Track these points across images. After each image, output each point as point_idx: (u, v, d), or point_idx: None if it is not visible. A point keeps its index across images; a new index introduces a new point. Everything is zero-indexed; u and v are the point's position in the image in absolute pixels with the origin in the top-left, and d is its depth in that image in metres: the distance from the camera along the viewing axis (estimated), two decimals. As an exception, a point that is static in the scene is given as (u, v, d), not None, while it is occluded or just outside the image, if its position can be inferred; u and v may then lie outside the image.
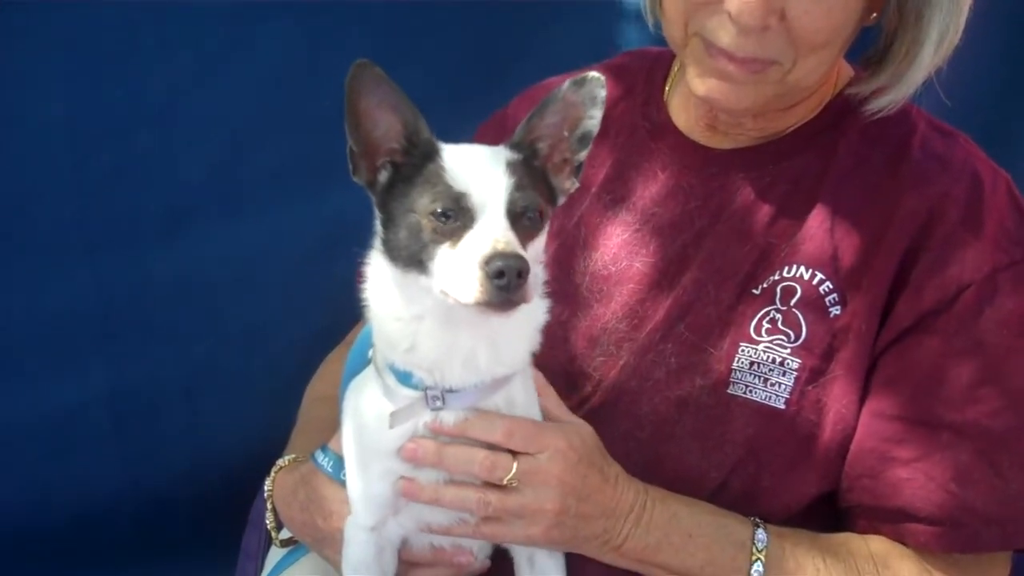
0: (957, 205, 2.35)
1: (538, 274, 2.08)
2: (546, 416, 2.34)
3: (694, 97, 2.48)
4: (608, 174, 2.68)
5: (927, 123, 2.50)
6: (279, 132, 3.51)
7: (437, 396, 2.18)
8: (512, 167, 2.08)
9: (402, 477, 2.25)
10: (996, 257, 2.32)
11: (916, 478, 2.29)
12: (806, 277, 2.39)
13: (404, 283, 2.13)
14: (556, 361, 2.47)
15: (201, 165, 3.47)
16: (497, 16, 3.61)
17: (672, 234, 2.55)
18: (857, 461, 2.35)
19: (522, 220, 2.04)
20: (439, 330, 2.14)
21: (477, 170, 2.07)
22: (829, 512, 2.45)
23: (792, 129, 2.52)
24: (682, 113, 2.65)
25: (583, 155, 2.21)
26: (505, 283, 1.93)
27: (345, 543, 2.35)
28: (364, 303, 2.26)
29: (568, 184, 2.23)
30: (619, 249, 2.59)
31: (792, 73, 2.35)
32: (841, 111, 2.50)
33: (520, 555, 2.42)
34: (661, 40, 2.58)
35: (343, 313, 3.14)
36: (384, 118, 2.11)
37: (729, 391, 2.39)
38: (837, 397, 2.35)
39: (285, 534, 2.67)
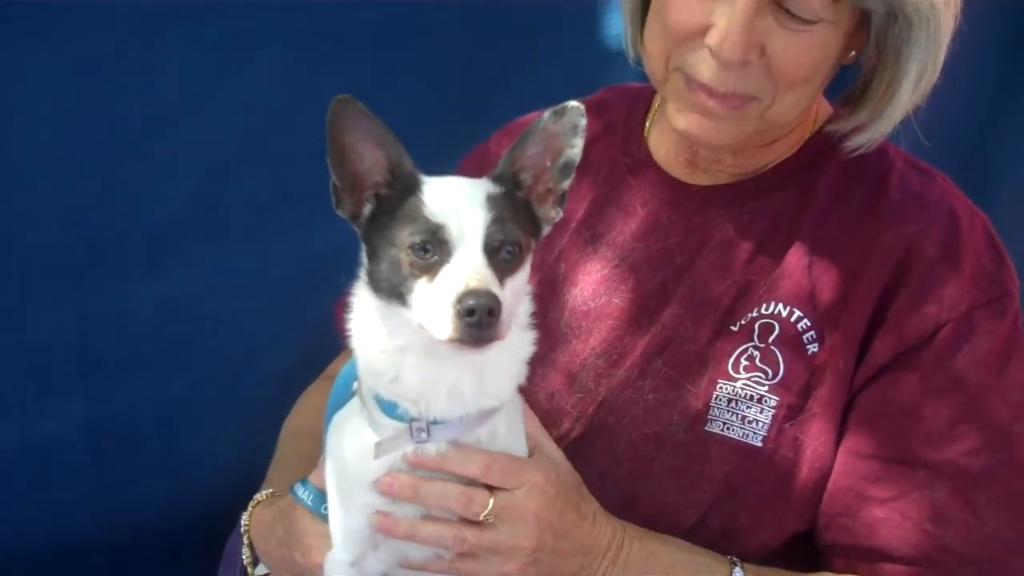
0: (934, 243, 2.36)
1: (515, 311, 2.08)
2: (530, 444, 2.33)
3: (674, 133, 2.49)
4: (588, 210, 2.68)
5: (905, 161, 2.51)
6: (260, 164, 3.49)
7: (422, 428, 2.17)
8: (492, 200, 2.09)
9: (378, 511, 2.24)
10: (973, 295, 2.32)
11: (892, 517, 2.29)
12: (784, 314, 2.39)
13: (387, 315, 2.13)
14: (534, 397, 2.47)
15: (182, 196, 3.46)
16: (480, 51, 3.62)
17: (651, 270, 2.55)
18: (834, 499, 2.35)
19: (499, 254, 2.04)
20: (423, 362, 2.14)
21: (455, 204, 2.07)
22: (806, 550, 2.44)
23: (771, 166, 2.53)
24: (662, 149, 2.65)
25: (566, 184, 2.21)
26: (476, 321, 1.93)
27: None
28: (349, 333, 2.26)
29: (553, 214, 2.23)
30: (598, 285, 2.60)
31: (771, 109, 2.36)
32: (820, 148, 2.51)
33: None
34: (642, 76, 2.59)
35: (322, 347, 3.15)
36: (368, 152, 2.12)
37: (706, 428, 2.38)
38: (814, 435, 2.35)
39: (261, 569, 2.64)
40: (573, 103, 2.15)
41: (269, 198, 3.53)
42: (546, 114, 2.16)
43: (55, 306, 3.42)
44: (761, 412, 2.36)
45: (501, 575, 2.27)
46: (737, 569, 2.34)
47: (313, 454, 2.60)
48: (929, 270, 2.34)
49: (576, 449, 2.41)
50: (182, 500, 3.69)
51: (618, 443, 2.44)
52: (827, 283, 2.39)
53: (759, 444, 2.36)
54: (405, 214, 2.08)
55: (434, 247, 2.02)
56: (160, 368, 3.58)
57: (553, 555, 2.25)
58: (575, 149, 2.17)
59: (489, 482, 2.22)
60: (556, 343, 2.57)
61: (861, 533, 2.31)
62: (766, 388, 2.37)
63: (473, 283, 1.96)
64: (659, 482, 2.40)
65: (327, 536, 2.35)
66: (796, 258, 2.42)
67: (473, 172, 2.30)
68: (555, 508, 2.24)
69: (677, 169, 2.62)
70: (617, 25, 3.46)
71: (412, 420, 2.18)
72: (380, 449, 2.19)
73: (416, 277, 2.03)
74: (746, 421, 2.36)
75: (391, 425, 2.20)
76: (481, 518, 2.21)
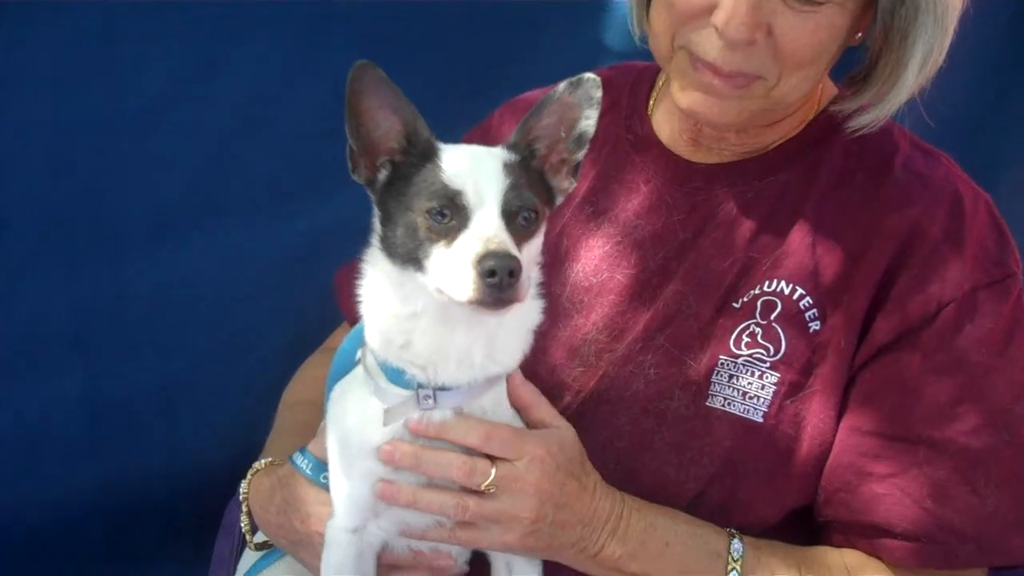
0: (938, 224, 2.37)
1: (532, 275, 2.10)
2: (537, 422, 2.34)
3: (678, 111, 2.50)
4: (591, 186, 2.68)
5: (909, 142, 2.52)
6: (260, 143, 3.51)
7: (429, 395, 2.19)
8: (509, 168, 2.11)
9: (382, 479, 2.24)
10: (976, 275, 2.33)
11: (892, 494, 2.30)
12: (787, 292, 2.40)
13: (401, 280, 2.15)
14: (535, 371, 2.46)
15: (181, 175, 3.47)
16: (483, 28, 3.62)
17: (654, 247, 2.55)
18: (834, 475, 2.36)
19: (517, 220, 2.07)
20: (435, 327, 2.16)
21: (473, 170, 2.09)
22: (805, 526, 2.46)
23: (775, 145, 2.53)
24: (665, 127, 2.66)
25: (580, 155, 2.24)
26: (497, 282, 1.95)
27: (326, 545, 2.34)
28: (358, 300, 2.27)
29: (566, 184, 2.26)
30: (600, 261, 2.60)
31: (776, 89, 2.36)
32: (824, 128, 2.51)
33: (498, 560, 2.42)
34: (647, 54, 2.59)
35: (319, 321, 3.16)
36: (384, 118, 2.13)
37: (708, 403, 2.39)
38: (815, 412, 2.36)
39: (259, 537, 2.66)
40: (589, 75, 2.18)
41: (268, 178, 3.54)
42: (562, 85, 2.18)
43: (53, 284, 3.44)
44: (762, 388, 2.37)
45: (501, 544, 2.30)
46: (736, 541, 2.35)
47: (312, 424, 2.62)
48: (932, 251, 2.34)
49: (576, 422, 2.40)
50: (180, 474, 3.69)
51: (619, 417, 2.45)
52: (830, 262, 2.39)
53: (760, 420, 2.36)
54: (422, 180, 2.10)
55: (452, 212, 2.04)
56: (158, 346, 3.60)
57: (553, 526, 2.27)
58: (590, 121, 2.20)
59: (490, 452, 2.23)
60: (558, 317, 2.57)
61: (861, 509, 2.32)
62: (767, 365, 2.38)
63: (493, 245, 1.98)
64: (659, 456, 2.40)
65: (326, 504, 2.36)
66: (799, 236, 2.43)
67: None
68: (556, 480, 2.25)
69: (681, 147, 2.62)
70: (618, 13, 3.49)
71: (419, 387, 2.19)
72: (389, 416, 2.21)
73: (433, 242, 2.05)
74: (747, 397, 2.37)
75: (397, 393, 2.21)
76: (482, 488, 2.22)
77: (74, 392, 3.54)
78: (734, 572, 2.32)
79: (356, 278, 2.29)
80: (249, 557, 2.72)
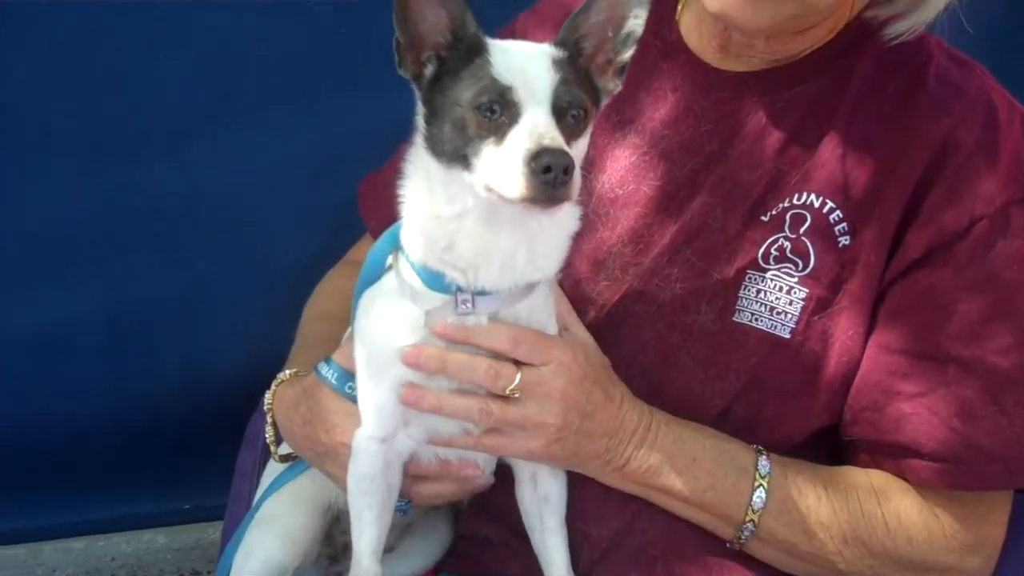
0: (971, 136, 2.31)
1: (579, 175, 2.06)
2: (561, 324, 2.33)
3: (707, 16, 2.43)
4: (617, 94, 2.63)
5: (944, 52, 2.45)
6: (284, 51, 3.48)
7: (467, 299, 2.17)
8: (558, 64, 2.07)
9: (407, 383, 2.24)
10: (1010, 190, 2.28)
11: (920, 413, 2.27)
12: (816, 205, 2.36)
13: (447, 180, 2.12)
14: (559, 284, 2.45)
15: (205, 82, 3.45)
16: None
17: (681, 158, 2.50)
18: (861, 394, 2.33)
19: (567, 117, 2.04)
20: (480, 229, 2.14)
21: (523, 65, 2.05)
22: (830, 446, 2.44)
23: (805, 53, 2.47)
24: (693, 33, 2.59)
25: (627, 56, 2.20)
26: (551, 179, 1.92)
27: (353, 455, 2.34)
28: (400, 200, 2.25)
29: (612, 85, 2.22)
30: (626, 172, 2.56)
31: None
32: (857, 36, 2.44)
33: (523, 473, 2.42)
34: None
35: (342, 233, 3.15)
36: (431, 11, 2.09)
37: (734, 319, 2.36)
38: (843, 328, 2.33)
39: (284, 449, 2.66)
40: None
41: (294, 84, 3.51)
42: None
43: (76, 190, 3.44)
44: (790, 304, 2.34)
45: (526, 451, 2.29)
46: (763, 458, 2.34)
47: (335, 336, 2.60)
48: (965, 164, 2.29)
49: (601, 337, 2.40)
50: (201, 384, 3.73)
51: (644, 332, 2.42)
52: (861, 175, 2.35)
53: (787, 336, 2.34)
54: (470, 75, 2.06)
55: (501, 108, 2.00)
56: (181, 253, 3.61)
57: (579, 435, 2.26)
58: (639, 20, 2.16)
59: (517, 357, 2.23)
60: (582, 230, 2.52)
61: (887, 428, 2.30)
62: (796, 279, 2.34)
63: (547, 141, 1.94)
64: (685, 371, 2.39)
65: (352, 415, 2.35)
66: (830, 148, 2.38)
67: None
68: (582, 388, 2.25)
69: (709, 54, 2.55)
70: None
71: (458, 290, 2.17)
72: (430, 319, 2.20)
73: (482, 138, 2.02)
74: (775, 312, 2.34)
75: (434, 297, 2.20)
76: (507, 392, 2.21)
77: (94, 301, 3.56)
78: (760, 489, 2.31)
79: (380, 189, 2.26)
80: (272, 469, 2.71)
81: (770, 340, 2.34)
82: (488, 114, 2.01)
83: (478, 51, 2.09)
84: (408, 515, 2.54)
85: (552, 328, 2.31)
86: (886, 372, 2.30)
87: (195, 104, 3.46)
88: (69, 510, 3.94)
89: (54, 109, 3.33)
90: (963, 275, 2.27)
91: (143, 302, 3.60)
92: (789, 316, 2.34)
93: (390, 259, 2.31)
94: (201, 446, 3.58)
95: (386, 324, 2.26)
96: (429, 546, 2.73)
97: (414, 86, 2.17)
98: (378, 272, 2.34)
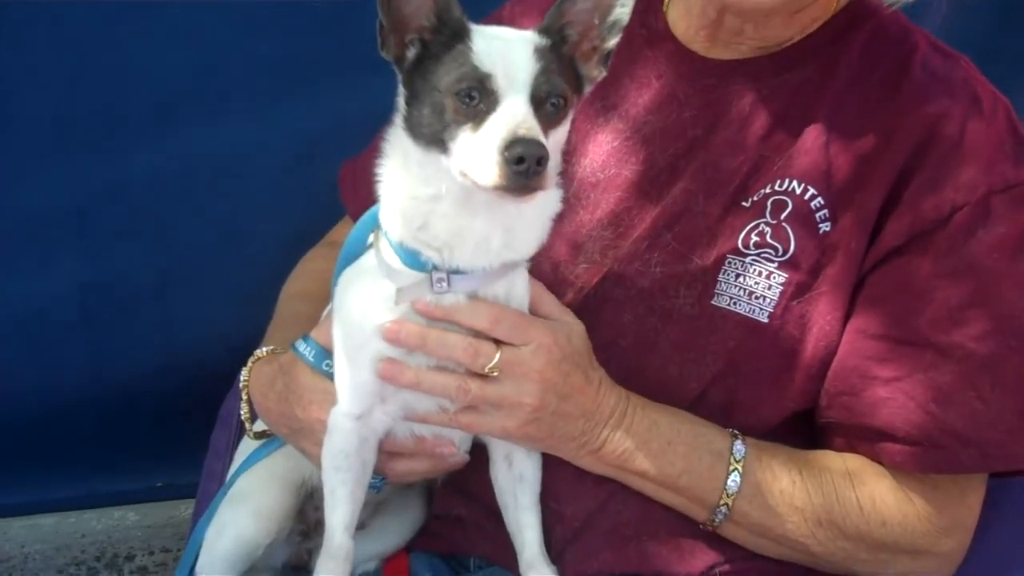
0: (954, 126, 2.32)
1: (556, 162, 2.07)
2: (543, 316, 2.34)
3: (698, 2, 2.44)
4: (601, 81, 2.63)
5: (929, 44, 2.47)
6: (264, 33, 3.47)
7: (443, 278, 2.18)
8: (540, 52, 2.08)
9: (385, 358, 2.24)
10: (991, 180, 2.29)
11: (896, 398, 2.28)
12: (798, 191, 2.36)
13: (424, 162, 2.13)
14: (538, 267, 2.44)
15: (185, 64, 3.44)
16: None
17: (663, 143, 2.51)
18: (838, 378, 2.35)
19: (545, 106, 2.05)
20: (455, 211, 2.15)
21: (504, 53, 2.06)
22: (807, 430, 2.45)
23: (793, 41, 2.48)
24: (681, 22, 2.60)
25: (613, 43, 2.20)
26: (524, 169, 1.93)
27: (328, 432, 2.34)
28: (378, 179, 2.26)
29: (596, 72, 2.23)
30: (608, 157, 2.56)
31: None
32: (844, 24, 2.46)
33: (498, 451, 2.43)
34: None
35: (321, 215, 3.14)
36: None
37: (713, 302, 2.37)
38: (822, 313, 2.34)
39: (259, 427, 2.65)
40: None
41: (272, 68, 3.51)
42: None
43: (53, 170, 3.43)
44: (769, 288, 2.35)
45: (501, 430, 2.30)
46: (738, 442, 2.35)
47: (313, 316, 2.61)
48: (948, 153, 2.31)
49: (579, 319, 2.39)
50: (177, 364, 3.72)
51: (623, 315, 2.43)
52: (843, 162, 2.36)
53: (765, 320, 2.34)
54: (452, 60, 2.07)
55: (480, 95, 2.01)
56: (157, 233, 3.61)
57: (555, 416, 2.27)
58: (625, 8, 2.17)
59: (497, 336, 2.23)
60: (562, 213, 2.52)
61: (863, 412, 2.31)
62: (775, 264, 2.35)
63: (522, 131, 1.96)
64: (663, 355, 2.39)
65: (328, 392, 2.36)
66: (813, 136, 2.39)
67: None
68: (561, 370, 2.25)
69: (696, 43, 2.56)
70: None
71: (433, 269, 2.17)
72: (401, 295, 2.20)
73: (460, 124, 2.03)
74: (753, 297, 2.35)
75: (410, 275, 2.20)
76: (486, 371, 2.22)
77: (72, 279, 3.55)
78: (735, 472, 2.32)
79: (361, 173, 2.26)
80: (245, 447, 2.71)
81: (748, 324, 2.35)
82: (467, 100, 2.02)
83: (461, 36, 2.09)
84: (381, 493, 2.53)
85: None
86: (863, 357, 2.31)
87: (175, 87, 3.45)
88: (39, 487, 3.94)
89: (30, 92, 3.32)
90: (942, 263, 2.28)
91: (120, 281, 3.60)
92: (768, 301, 2.35)
93: (371, 238, 2.31)
94: (175, 424, 3.57)
95: (365, 301, 2.26)
96: (401, 525, 2.73)
97: (396, 68, 2.18)
98: (359, 250, 2.35)
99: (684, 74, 2.55)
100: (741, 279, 2.36)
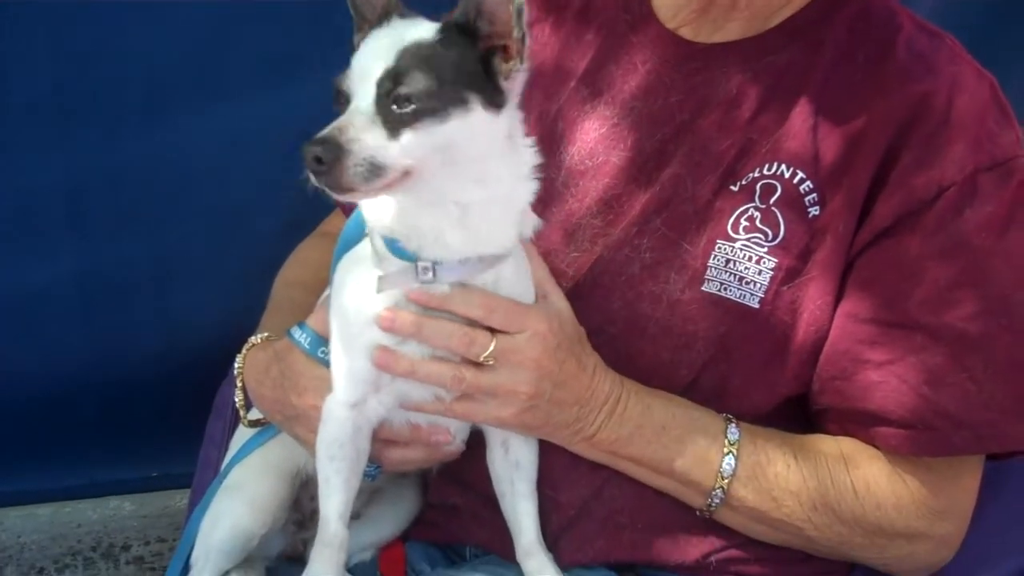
0: (939, 105, 2.32)
1: (429, 164, 2.05)
2: (538, 292, 2.34)
3: None
4: (587, 67, 2.63)
5: (914, 23, 2.46)
6: (262, 21, 3.46)
7: (427, 267, 2.17)
8: (410, 49, 2.05)
9: (380, 347, 2.24)
10: (978, 158, 2.29)
11: (888, 381, 2.28)
12: (787, 175, 2.36)
13: None
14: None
15: (182, 51, 3.43)
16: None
17: (651, 129, 2.51)
18: (829, 363, 2.34)
19: (391, 106, 2.01)
20: (405, 206, 2.16)
21: (366, 52, 2.07)
22: (799, 415, 2.45)
23: (777, 23, 2.47)
24: (665, 6, 2.58)
25: (520, 34, 2.08)
26: (316, 168, 1.95)
27: (323, 420, 2.34)
28: None
29: (508, 66, 2.11)
30: (596, 144, 2.56)
31: None
32: (828, 6, 2.46)
33: (494, 439, 2.43)
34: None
35: (316, 204, 3.11)
36: None
37: (703, 288, 2.37)
38: (812, 298, 2.34)
39: (254, 414, 2.65)
40: None
41: (270, 56, 3.50)
42: None
43: (49, 155, 3.43)
44: (759, 274, 2.34)
45: (497, 419, 2.30)
46: (732, 426, 2.35)
47: (308, 304, 2.60)
48: (933, 132, 2.30)
49: (570, 307, 2.39)
50: (173, 352, 3.72)
51: (613, 301, 2.43)
52: (831, 145, 2.36)
53: (756, 306, 2.34)
54: None
55: (345, 98, 2.04)
56: (153, 220, 3.60)
57: (550, 404, 2.27)
58: None
59: (491, 325, 2.22)
60: (552, 202, 2.54)
61: (856, 396, 2.31)
62: (765, 250, 2.35)
63: (324, 131, 1.97)
64: (653, 341, 2.39)
65: (323, 379, 2.35)
66: (801, 118, 2.38)
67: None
68: (556, 357, 2.25)
69: (682, 26, 2.55)
70: None
71: (418, 259, 2.17)
72: (382, 283, 2.20)
73: None
74: (744, 282, 2.35)
75: (397, 263, 2.20)
76: (481, 360, 2.22)
77: (68, 267, 3.55)
78: (730, 456, 2.32)
79: None
80: (241, 435, 2.71)
81: (739, 310, 2.35)
82: (342, 103, 2.04)
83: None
84: (377, 481, 2.54)
85: (528, 297, 2.31)
86: (854, 341, 2.31)
87: (172, 74, 3.44)
88: (35, 476, 3.93)
89: (26, 79, 3.31)
90: (931, 243, 2.28)
91: (115, 270, 3.59)
92: (758, 286, 2.35)
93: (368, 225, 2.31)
94: (170, 414, 3.58)
95: (361, 289, 2.25)
96: (397, 514, 2.74)
97: None
98: (357, 237, 2.34)
99: (669, 58, 2.54)
100: (731, 264, 2.36)
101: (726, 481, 2.33)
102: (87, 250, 3.55)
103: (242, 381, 2.61)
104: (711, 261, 2.37)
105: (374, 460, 2.43)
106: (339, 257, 2.38)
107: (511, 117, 2.16)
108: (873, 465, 2.33)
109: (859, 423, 2.35)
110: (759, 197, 2.37)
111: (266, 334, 2.66)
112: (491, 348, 2.21)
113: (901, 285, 2.29)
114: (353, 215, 2.39)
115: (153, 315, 3.70)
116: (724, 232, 2.38)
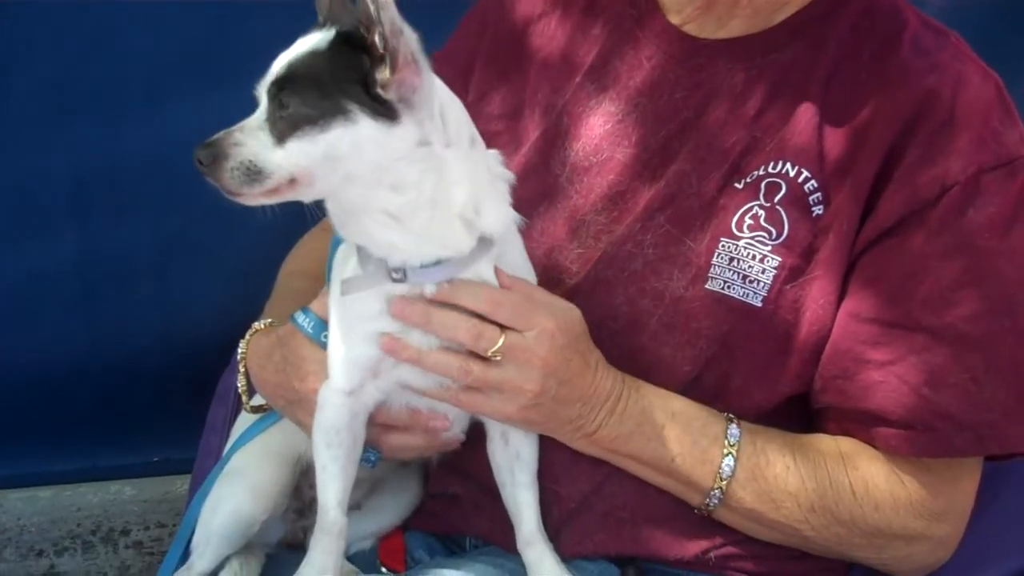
0: (944, 103, 2.31)
1: (318, 170, 2.08)
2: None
3: None
4: (592, 63, 2.63)
5: (919, 20, 2.46)
6: (264, 8, 3.46)
7: (399, 271, 2.19)
8: (301, 58, 2.11)
9: (388, 334, 2.25)
10: (982, 157, 2.28)
11: (889, 381, 2.28)
12: (791, 174, 2.36)
13: None
14: (534, 254, 2.46)
15: (184, 38, 3.44)
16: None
17: (656, 125, 2.50)
18: (831, 362, 2.34)
19: (278, 114, 2.07)
20: (337, 211, 2.22)
21: (278, 58, 2.13)
22: (802, 415, 2.45)
23: (782, 20, 2.47)
24: (670, 1, 2.58)
25: (396, 43, 2.04)
26: (199, 169, 2.04)
27: (318, 407, 2.34)
28: None
29: (380, 75, 2.06)
30: (601, 140, 2.55)
31: None
32: (834, 2, 2.45)
33: (494, 430, 2.43)
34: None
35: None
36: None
37: (706, 286, 2.37)
38: (815, 297, 2.34)
39: (256, 400, 2.66)
40: None
41: (274, 44, 3.48)
42: None
43: (51, 142, 3.44)
44: (763, 272, 2.34)
45: (500, 414, 2.31)
46: (732, 426, 2.35)
47: (311, 293, 2.59)
48: (937, 131, 2.30)
49: (573, 303, 2.38)
50: (175, 339, 3.73)
51: (615, 297, 2.43)
52: (836, 143, 2.35)
53: (759, 304, 2.34)
54: None
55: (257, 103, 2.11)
56: (154, 208, 3.62)
57: (555, 401, 2.27)
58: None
59: (498, 320, 2.23)
60: (557, 198, 2.54)
61: (857, 396, 2.31)
62: (769, 248, 2.35)
63: (217, 135, 2.05)
64: (655, 338, 2.39)
65: (326, 364, 2.36)
66: (806, 117, 2.38)
67: (471, 33, 2.42)
68: (563, 355, 2.25)
69: (687, 22, 2.55)
70: None
71: (388, 265, 2.20)
72: (346, 287, 2.24)
73: None
74: (747, 280, 2.35)
75: (376, 261, 2.21)
76: (489, 354, 2.22)
77: (70, 254, 3.55)
78: (729, 457, 2.32)
79: None
80: (242, 422, 2.71)
81: (742, 308, 2.35)
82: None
83: None
84: (377, 470, 2.54)
85: (531, 278, 2.36)
86: (856, 340, 2.31)
87: (174, 61, 3.45)
88: (36, 459, 3.95)
89: (28, 65, 3.32)
90: (934, 243, 2.28)
91: (118, 256, 3.60)
92: (761, 284, 2.34)
93: None
94: (172, 399, 3.59)
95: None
96: (397, 504, 2.74)
97: None
98: None
99: (674, 54, 2.54)
100: (735, 262, 2.35)
101: (725, 482, 2.33)
102: (89, 237, 3.56)
103: (245, 366, 2.62)
104: (715, 259, 2.37)
105: (373, 445, 2.45)
106: (336, 246, 2.40)
107: (421, 123, 2.11)
108: (872, 466, 2.33)
109: (860, 423, 2.34)
110: (763, 195, 2.37)
111: (269, 320, 2.67)
112: (499, 344, 2.22)
113: (903, 285, 2.29)
114: None
115: (154, 301, 3.72)
116: (728, 230, 2.38)
